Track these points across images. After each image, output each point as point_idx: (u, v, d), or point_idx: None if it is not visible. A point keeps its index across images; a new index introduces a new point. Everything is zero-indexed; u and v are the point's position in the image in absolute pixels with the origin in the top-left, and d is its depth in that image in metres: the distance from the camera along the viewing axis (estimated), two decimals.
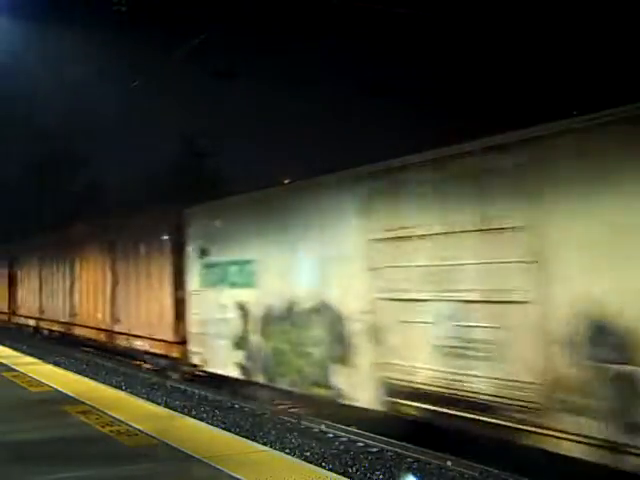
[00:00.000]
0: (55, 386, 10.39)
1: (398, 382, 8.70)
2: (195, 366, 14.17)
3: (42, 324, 24.94)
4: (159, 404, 11.35)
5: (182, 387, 14.70)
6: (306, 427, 10.81)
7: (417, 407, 8.42)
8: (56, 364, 16.41)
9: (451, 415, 7.97)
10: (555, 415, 6.83)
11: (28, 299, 26.84)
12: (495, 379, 7.43)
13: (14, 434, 7.27)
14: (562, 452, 6.84)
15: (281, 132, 44.53)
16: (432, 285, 8.21)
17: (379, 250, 9.03)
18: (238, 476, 5.53)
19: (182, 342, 14.42)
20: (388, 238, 8.88)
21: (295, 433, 10.53)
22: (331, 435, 10.34)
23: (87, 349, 21.29)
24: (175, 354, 14.78)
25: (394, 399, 8.77)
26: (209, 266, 13.25)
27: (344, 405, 10.00)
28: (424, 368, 8.31)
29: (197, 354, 13.65)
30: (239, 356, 12.13)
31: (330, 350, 9.87)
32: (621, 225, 6.39)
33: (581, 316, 6.60)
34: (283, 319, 10.89)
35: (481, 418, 7.58)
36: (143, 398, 11.54)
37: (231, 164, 46.00)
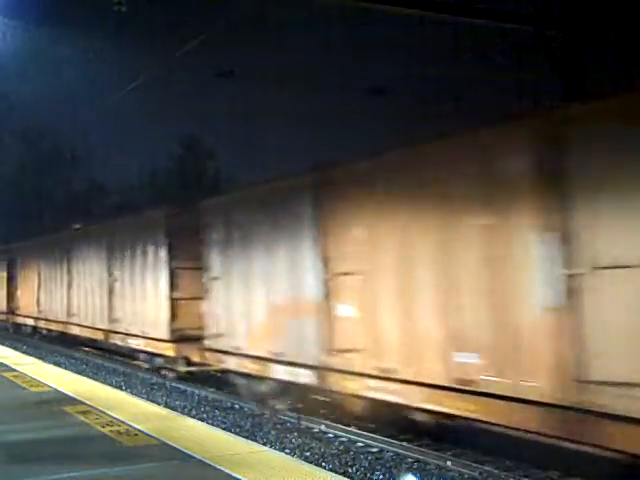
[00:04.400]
0: (55, 386, 10.39)
1: None
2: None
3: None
4: (159, 404, 11.35)
5: (182, 387, 14.71)
6: (306, 427, 10.81)
7: None
8: (56, 364, 16.44)
9: None
10: None
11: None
12: None
13: (14, 434, 7.26)
14: None
15: (280, 131, 44.54)
16: None
17: None
18: (238, 476, 5.52)
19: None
20: None
21: (295, 433, 10.53)
22: (331, 435, 10.33)
23: (87, 349, 21.30)
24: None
25: None
26: None
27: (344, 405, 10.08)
28: None
29: None
30: None
31: None
32: None
33: None
34: None
35: None
36: (143, 398, 11.55)
37: (231, 164, 46.04)
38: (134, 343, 16.75)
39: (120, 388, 13.66)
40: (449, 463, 8.54)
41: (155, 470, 5.87)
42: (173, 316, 14.82)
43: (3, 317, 29.77)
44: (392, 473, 8.51)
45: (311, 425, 10.83)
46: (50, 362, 16.46)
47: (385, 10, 14.47)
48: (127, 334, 17.09)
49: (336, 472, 8.12)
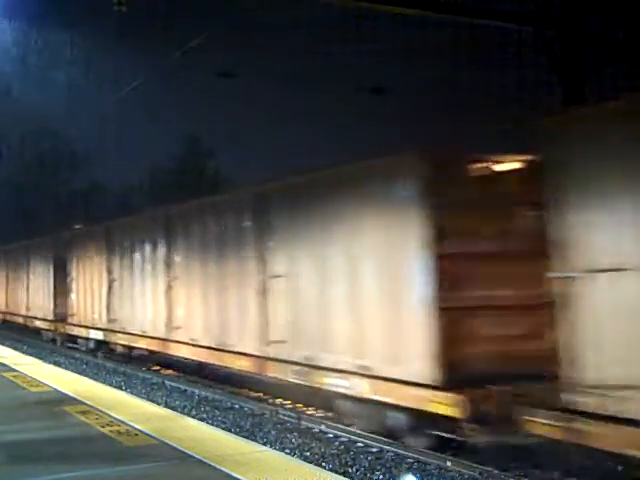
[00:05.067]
0: (55, 386, 10.40)
1: None
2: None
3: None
4: (159, 404, 11.36)
5: (182, 387, 14.70)
6: (306, 427, 10.81)
7: None
8: (56, 364, 16.44)
9: None
10: None
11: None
12: None
13: (14, 434, 7.27)
14: None
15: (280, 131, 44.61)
16: None
17: None
18: (238, 476, 5.53)
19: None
20: None
21: (295, 433, 10.53)
22: (331, 435, 10.32)
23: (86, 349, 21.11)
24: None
25: None
26: None
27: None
28: None
29: None
30: None
31: None
32: None
33: None
34: None
35: None
36: (143, 398, 11.55)
37: (232, 164, 46.08)
38: (337, 385, 9.93)
39: (120, 388, 13.67)
40: (449, 463, 8.53)
41: (155, 470, 5.88)
42: (446, 341, 8.33)
43: (48, 326, 23.69)
44: (392, 473, 8.50)
45: (311, 425, 10.83)
46: (50, 362, 16.47)
47: (385, 10, 14.51)
48: (312, 366, 10.37)
49: (336, 472, 8.11)
